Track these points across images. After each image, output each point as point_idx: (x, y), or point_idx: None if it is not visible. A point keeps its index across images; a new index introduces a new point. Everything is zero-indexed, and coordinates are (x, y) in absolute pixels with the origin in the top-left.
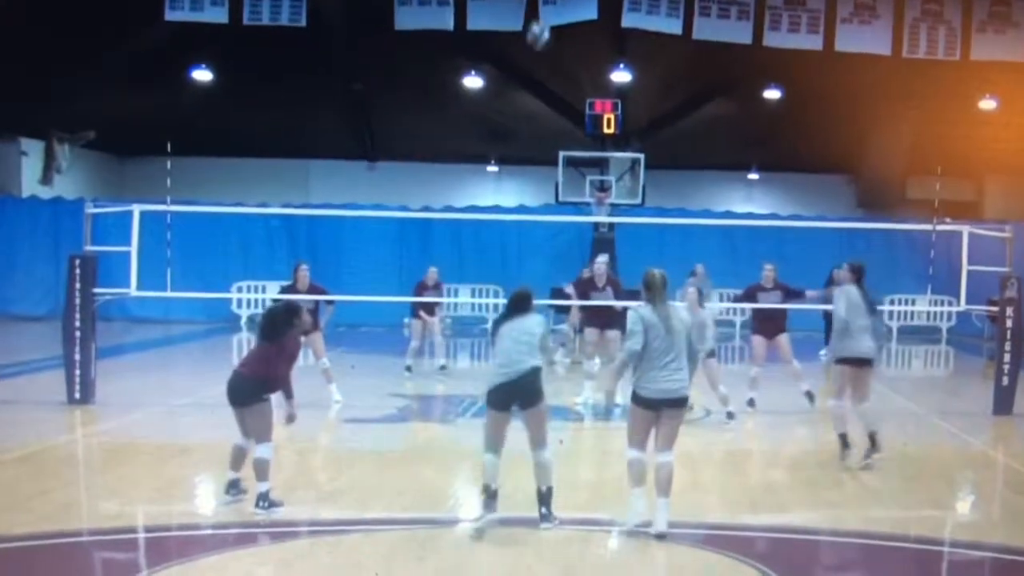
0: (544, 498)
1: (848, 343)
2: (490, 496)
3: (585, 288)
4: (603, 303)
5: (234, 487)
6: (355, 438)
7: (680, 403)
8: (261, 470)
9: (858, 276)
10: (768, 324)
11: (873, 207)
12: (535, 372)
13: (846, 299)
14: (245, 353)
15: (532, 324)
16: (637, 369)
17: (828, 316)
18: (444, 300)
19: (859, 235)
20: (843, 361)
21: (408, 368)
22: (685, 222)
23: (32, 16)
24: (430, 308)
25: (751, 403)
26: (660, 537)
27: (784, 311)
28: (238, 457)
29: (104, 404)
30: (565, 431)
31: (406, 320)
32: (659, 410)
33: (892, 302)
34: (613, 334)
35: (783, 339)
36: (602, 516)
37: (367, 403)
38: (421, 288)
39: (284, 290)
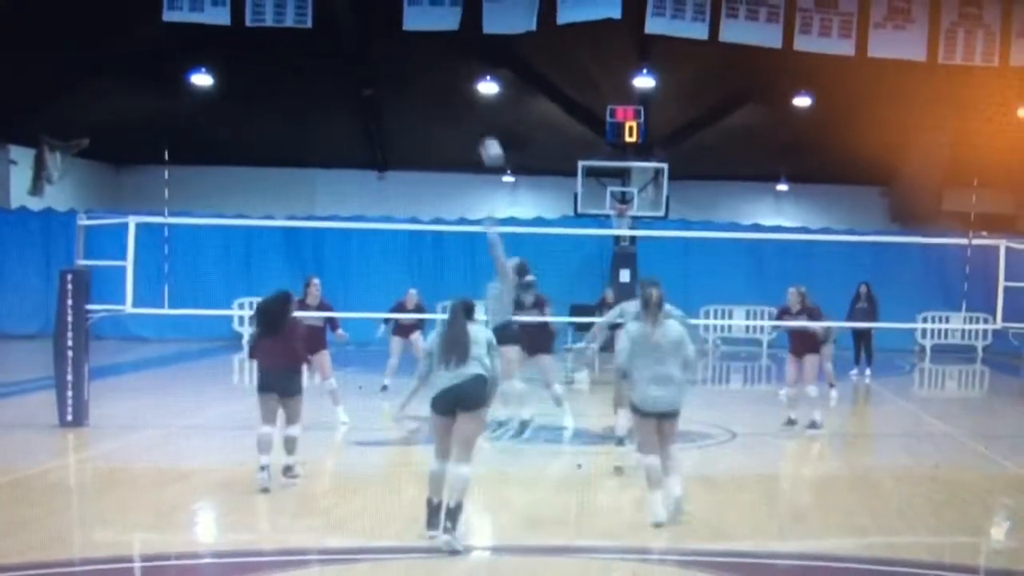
0: (451, 513)
1: None
2: (433, 511)
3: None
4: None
5: (289, 471)
6: (363, 461)
7: (671, 414)
8: (292, 446)
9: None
10: (796, 344)
11: (907, 220)
12: (480, 380)
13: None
14: (246, 367)
15: (479, 332)
16: (632, 381)
17: (858, 334)
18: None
19: (892, 249)
20: None
21: (384, 387)
22: (710, 236)
23: (22, 17)
24: (408, 329)
25: (791, 422)
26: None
27: (814, 332)
28: (266, 446)
29: (98, 427)
30: (584, 455)
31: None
32: (657, 418)
33: (925, 319)
34: (546, 359)
35: (808, 360)
36: (625, 543)
37: (375, 425)
38: (400, 309)
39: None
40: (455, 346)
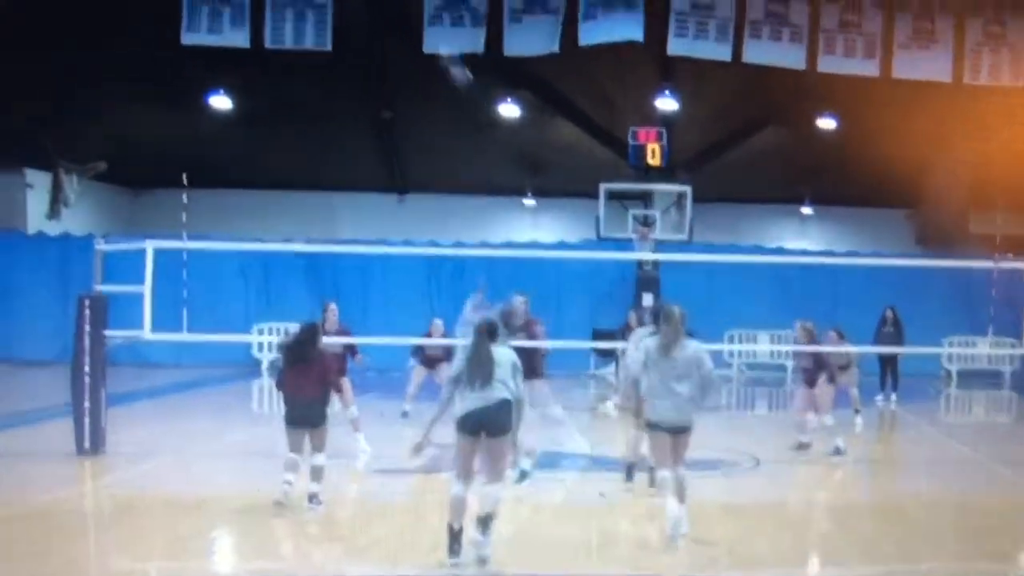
0: (482, 521)
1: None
2: (454, 537)
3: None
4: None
5: (313, 498)
6: (385, 490)
7: (684, 429)
8: (319, 474)
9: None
10: (806, 373)
11: (933, 243)
12: (505, 404)
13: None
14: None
15: (503, 355)
16: (647, 396)
17: (884, 359)
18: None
19: (917, 273)
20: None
21: (405, 413)
22: (735, 259)
23: (37, 38)
24: (434, 360)
25: (802, 446)
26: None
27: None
28: (293, 465)
29: (115, 454)
30: (608, 483)
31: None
32: (671, 433)
33: (951, 344)
34: (538, 383)
35: (820, 389)
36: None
37: (397, 453)
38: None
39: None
40: (480, 368)
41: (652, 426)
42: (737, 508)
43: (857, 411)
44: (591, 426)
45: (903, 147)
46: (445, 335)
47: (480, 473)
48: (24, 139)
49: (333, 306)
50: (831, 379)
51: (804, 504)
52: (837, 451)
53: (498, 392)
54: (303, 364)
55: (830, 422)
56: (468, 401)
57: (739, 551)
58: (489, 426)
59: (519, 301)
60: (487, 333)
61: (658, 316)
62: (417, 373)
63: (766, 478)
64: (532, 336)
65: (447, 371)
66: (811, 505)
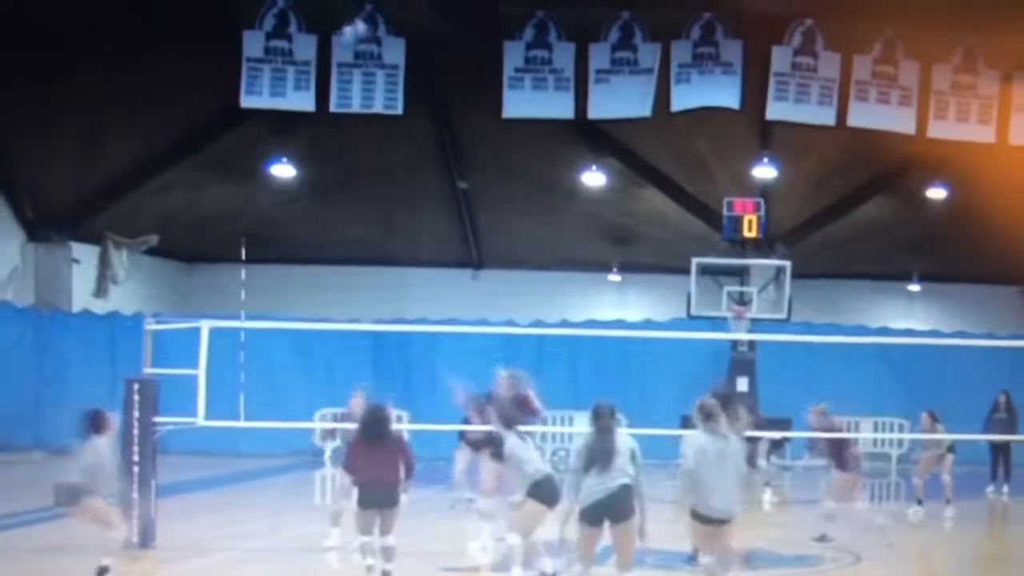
0: None
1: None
2: None
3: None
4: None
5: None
6: None
7: (726, 521)
8: (391, 553)
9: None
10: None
11: None
12: (627, 489)
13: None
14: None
15: (622, 441)
16: (692, 490)
17: (995, 448)
18: (553, 429)
19: None
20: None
21: (470, 499)
22: (837, 340)
23: (84, 101)
24: (477, 443)
25: (823, 538)
26: None
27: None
28: (370, 550)
29: (166, 549)
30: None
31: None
32: (715, 525)
33: None
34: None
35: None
36: None
37: (466, 549)
38: (466, 422)
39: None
40: (601, 455)
41: (700, 518)
42: None
43: (948, 501)
44: (677, 519)
45: (1019, 219)
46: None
47: (615, 563)
48: (70, 211)
49: (360, 392)
50: (841, 466)
51: None
52: (823, 538)
53: (618, 479)
54: (376, 446)
55: (829, 507)
56: (591, 491)
57: None
58: (614, 512)
59: (503, 377)
60: (609, 417)
61: (709, 416)
62: (462, 456)
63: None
64: (530, 411)
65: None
66: None
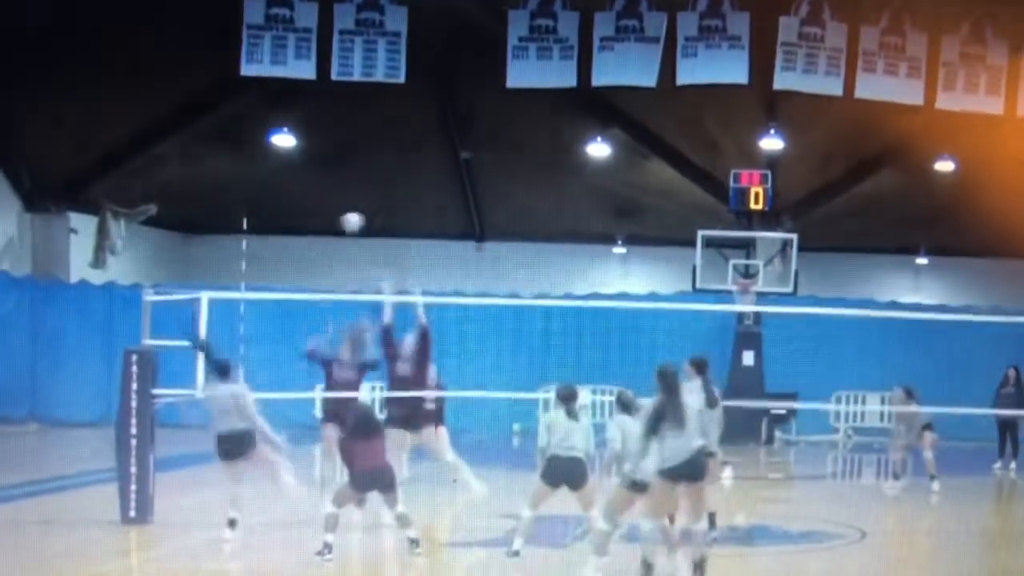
0: (699, 566)
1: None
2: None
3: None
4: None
5: (415, 544)
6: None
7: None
8: (407, 520)
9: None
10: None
11: None
12: (702, 451)
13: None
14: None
15: (694, 403)
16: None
17: (1003, 424)
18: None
19: None
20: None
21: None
22: (844, 313)
23: (84, 70)
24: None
25: None
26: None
27: None
28: (334, 521)
29: (164, 524)
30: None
31: (515, 427)
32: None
33: None
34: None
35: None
36: None
37: (472, 524)
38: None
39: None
40: (677, 417)
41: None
42: None
43: (933, 477)
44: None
45: None
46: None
47: (686, 515)
48: (68, 180)
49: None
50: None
51: None
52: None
53: (695, 441)
54: (370, 439)
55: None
56: (673, 452)
57: None
58: (693, 474)
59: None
60: (673, 378)
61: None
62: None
63: (872, 553)
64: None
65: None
66: None
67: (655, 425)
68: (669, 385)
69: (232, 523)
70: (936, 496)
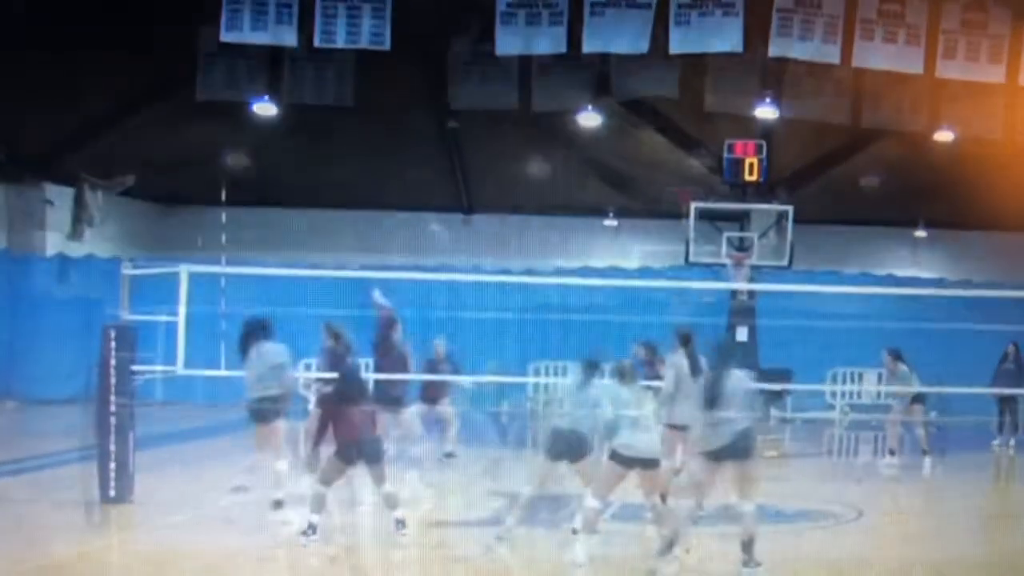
0: (746, 547)
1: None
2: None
3: None
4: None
5: (401, 524)
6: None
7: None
8: (395, 500)
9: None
10: None
11: None
12: (750, 431)
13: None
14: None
15: (739, 381)
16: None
17: (1002, 400)
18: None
19: None
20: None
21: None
22: (840, 290)
23: (59, 39)
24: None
25: None
26: None
27: None
28: (321, 501)
29: (144, 503)
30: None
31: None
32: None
33: None
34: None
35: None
36: None
37: (459, 503)
38: (431, 369)
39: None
40: (717, 395)
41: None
42: (836, 566)
43: (925, 452)
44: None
45: None
46: (447, 359)
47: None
48: (44, 151)
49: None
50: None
51: (911, 562)
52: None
53: (740, 422)
54: (357, 404)
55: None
56: (714, 432)
57: None
58: (737, 453)
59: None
60: (727, 356)
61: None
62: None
63: (868, 532)
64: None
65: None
66: (918, 563)
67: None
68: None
69: (278, 504)
70: (934, 473)
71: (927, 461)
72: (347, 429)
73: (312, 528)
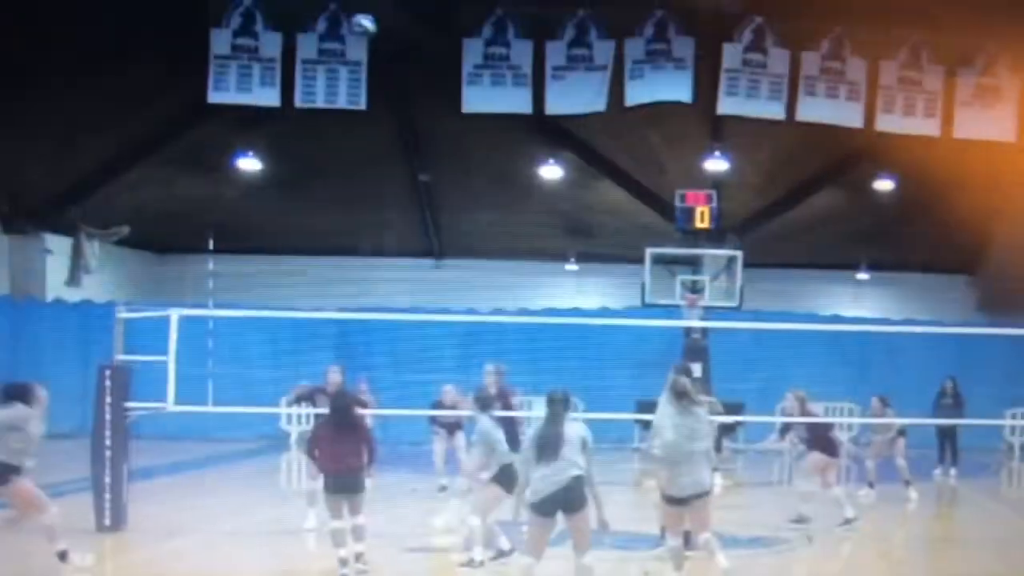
0: None
1: None
2: None
3: None
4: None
5: (361, 557)
6: (416, 569)
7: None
8: (362, 532)
9: None
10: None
11: (995, 310)
12: (578, 481)
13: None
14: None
15: (573, 431)
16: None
17: (942, 432)
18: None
19: (978, 341)
20: None
21: (443, 487)
22: (787, 327)
23: (58, 96)
24: (450, 427)
25: (800, 519)
26: None
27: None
28: (342, 539)
29: (137, 531)
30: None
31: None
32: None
33: (1014, 416)
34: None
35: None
36: None
37: (430, 530)
38: (438, 407)
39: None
40: (548, 446)
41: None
42: None
43: (908, 483)
44: (635, 502)
45: (964, 210)
46: (458, 402)
47: (573, 547)
48: (43, 204)
49: (335, 368)
50: (825, 450)
51: None
52: (847, 521)
53: (569, 471)
54: (342, 433)
55: (838, 492)
56: (542, 482)
57: None
58: (567, 503)
59: (490, 372)
60: (562, 406)
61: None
62: (438, 442)
63: (818, 556)
64: (507, 407)
65: (462, 441)
66: None
67: (535, 451)
68: (553, 408)
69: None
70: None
71: (911, 492)
72: (328, 461)
73: (343, 563)
